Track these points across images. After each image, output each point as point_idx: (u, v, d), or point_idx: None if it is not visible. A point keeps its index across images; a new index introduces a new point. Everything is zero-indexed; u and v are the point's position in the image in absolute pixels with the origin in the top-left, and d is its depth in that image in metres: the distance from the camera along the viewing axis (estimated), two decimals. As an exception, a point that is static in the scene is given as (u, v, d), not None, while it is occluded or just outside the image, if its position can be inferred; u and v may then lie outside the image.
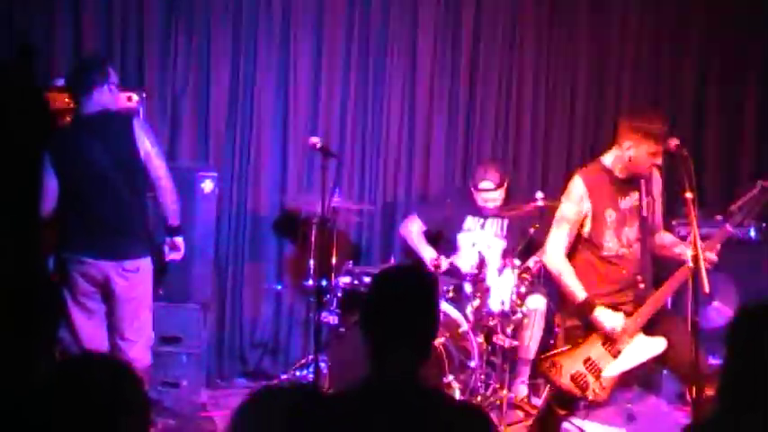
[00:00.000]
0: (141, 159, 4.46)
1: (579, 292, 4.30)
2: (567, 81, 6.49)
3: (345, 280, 5.59)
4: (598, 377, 4.35)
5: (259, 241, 6.21)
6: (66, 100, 4.71)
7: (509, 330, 5.20)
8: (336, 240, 5.52)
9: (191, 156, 6.05)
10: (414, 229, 6.01)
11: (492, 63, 6.46)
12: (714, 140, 6.44)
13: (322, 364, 5.26)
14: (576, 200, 4.36)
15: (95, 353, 3.79)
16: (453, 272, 5.68)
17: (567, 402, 4.55)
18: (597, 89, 6.54)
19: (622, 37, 6.48)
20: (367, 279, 5.48)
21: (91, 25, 5.75)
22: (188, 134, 6.05)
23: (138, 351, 4.52)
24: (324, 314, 5.38)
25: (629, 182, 4.40)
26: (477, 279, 5.34)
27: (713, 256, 4.19)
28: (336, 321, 5.51)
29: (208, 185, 5.60)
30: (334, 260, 5.48)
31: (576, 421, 5.14)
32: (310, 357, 5.50)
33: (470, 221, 5.90)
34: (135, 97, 5.22)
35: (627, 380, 4.91)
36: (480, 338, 5.26)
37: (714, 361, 4.34)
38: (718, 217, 4.65)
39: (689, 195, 4.00)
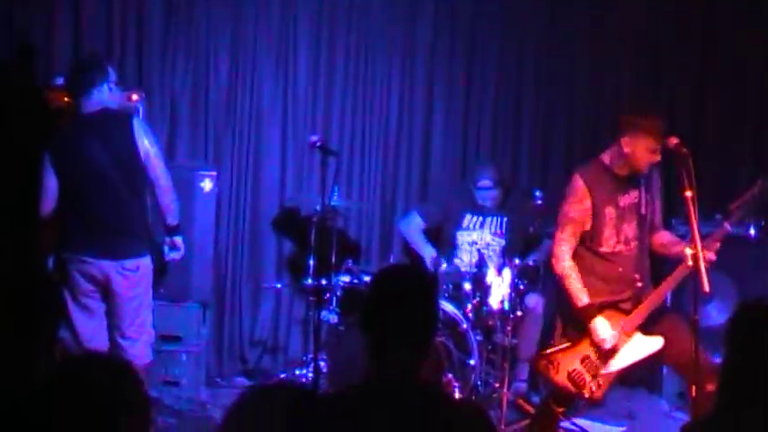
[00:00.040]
0: (141, 159, 4.46)
1: (583, 297, 4.31)
2: (566, 81, 6.49)
3: (345, 279, 5.60)
4: (595, 375, 4.36)
5: (258, 240, 6.22)
6: (66, 99, 4.71)
7: (508, 329, 5.21)
8: (336, 239, 5.52)
9: (190, 155, 6.06)
10: (413, 227, 6.03)
11: (491, 62, 6.45)
12: (714, 140, 6.44)
13: (321, 363, 5.27)
14: (577, 199, 4.36)
15: (95, 352, 3.79)
16: (453, 270, 5.68)
17: (564, 400, 4.56)
18: (597, 89, 6.53)
19: (622, 37, 6.47)
20: (366, 278, 5.48)
21: (91, 25, 5.76)
22: (187, 133, 6.06)
23: (139, 349, 4.52)
24: (323, 313, 5.38)
25: (629, 179, 4.40)
26: (477, 277, 5.34)
27: (712, 255, 4.20)
28: (336, 320, 5.52)
29: (207, 184, 5.61)
30: (333, 259, 5.48)
31: (577, 420, 5.16)
32: (310, 356, 5.50)
33: (469, 219, 5.91)
34: (135, 96, 5.22)
35: (624, 378, 4.93)
36: (480, 337, 5.27)
37: (715, 360, 4.34)
38: (718, 216, 4.65)
39: (688, 194, 4.01)
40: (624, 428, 5.44)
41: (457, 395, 5.05)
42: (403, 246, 6.26)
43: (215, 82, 6.06)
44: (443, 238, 5.99)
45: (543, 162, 6.52)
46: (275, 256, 6.27)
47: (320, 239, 5.52)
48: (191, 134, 6.07)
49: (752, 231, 5.46)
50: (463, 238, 5.88)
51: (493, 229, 5.87)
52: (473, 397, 5.16)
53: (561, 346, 4.45)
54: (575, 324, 4.39)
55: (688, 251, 4.10)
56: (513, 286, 5.25)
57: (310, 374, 5.38)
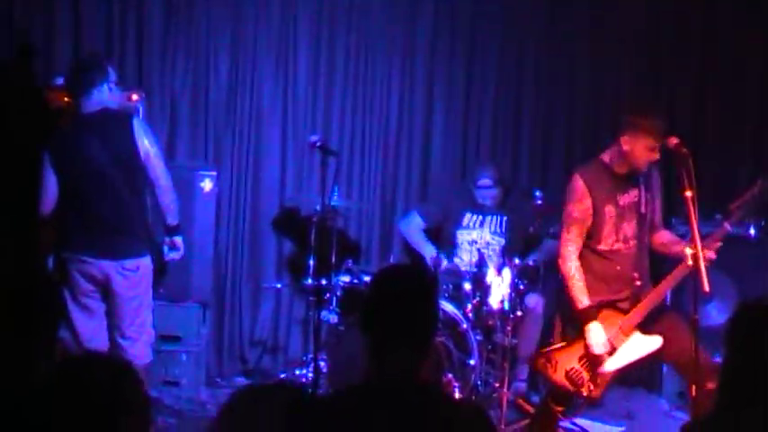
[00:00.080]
0: (141, 158, 4.46)
1: (584, 299, 4.32)
2: (566, 81, 6.49)
3: (345, 279, 5.60)
4: (593, 374, 4.36)
5: (258, 240, 6.22)
6: (66, 99, 4.71)
7: (508, 329, 5.21)
8: (336, 239, 5.52)
9: (190, 155, 6.06)
10: (413, 227, 6.03)
11: (491, 62, 6.45)
12: (714, 140, 6.44)
13: (321, 363, 5.27)
14: (578, 198, 4.37)
15: (96, 352, 3.79)
16: (453, 270, 5.69)
17: (563, 399, 4.57)
18: (597, 89, 6.53)
19: (622, 37, 6.47)
20: (366, 278, 5.48)
21: (91, 25, 5.76)
22: (187, 133, 6.06)
23: (139, 349, 4.52)
24: (323, 313, 5.38)
25: (628, 178, 4.40)
26: (477, 277, 5.34)
27: (712, 254, 4.20)
28: (336, 320, 5.52)
29: (207, 184, 5.61)
30: (333, 259, 5.48)
31: (577, 420, 5.16)
32: (310, 356, 5.50)
33: (469, 218, 5.91)
34: (135, 96, 5.22)
35: (623, 378, 4.93)
36: (480, 337, 5.27)
37: (715, 359, 4.34)
38: (718, 215, 4.65)
39: (688, 194, 4.01)
40: (623, 428, 5.44)
41: (457, 395, 5.05)
42: (403, 246, 6.26)
43: (215, 82, 6.06)
44: (443, 238, 5.99)
45: (543, 162, 6.52)
46: (275, 256, 6.27)
47: (320, 239, 5.53)
48: (191, 134, 6.07)
49: (752, 231, 5.46)
50: (463, 236, 5.88)
51: (493, 228, 5.87)
52: (473, 397, 5.16)
53: (559, 345, 4.46)
54: (574, 323, 4.40)
55: (688, 251, 4.11)
56: (513, 286, 5.25)
57: (310, 374, 5.39)
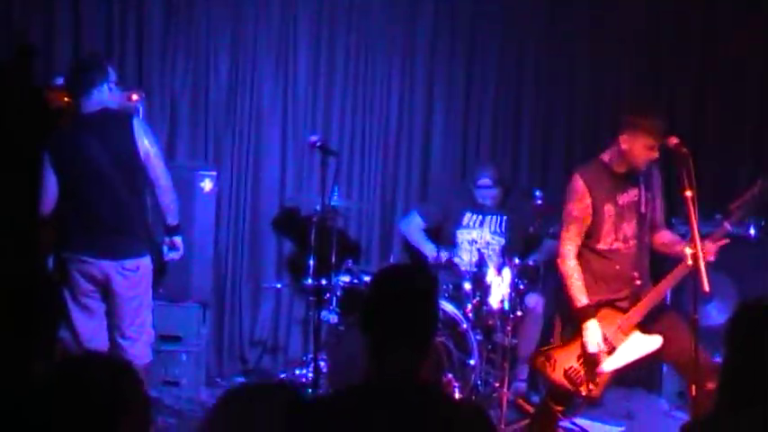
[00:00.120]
0: (141, 158, 4.46)
1: (582, 298, 4.32)
2: (566, 81, 6.49)
3: (345, 279, 5.60)
4: (592, 373, 4.36)
5: (258, 240, 6.22)
6: (66, 99, 4.71)
7: (508, 328, 5.21)
8: (336, 239, 5.52)
9: (190, 155, 6.06)
10: (413, 227, 6.04)
11: (491, 62, 6.45)
12: (714, 140, 6.44)
13: (321, 363, 5.28)
14: (578, 198, 4.38)
15: (95, 352, 3.79)
16: (453, 270, 5.69)
17: (562, 398, 4.56)
18: (597, 89, 6.53)
19: (622, 37, 6.47)
20: (366, 278, 5.48)
21: (91, 25, 5.76)
22: (187, 133, 6.06)
23: (139, 349, 4.52)
24: (323, 313, 5.38)
25: (628, 178, 4.41)
26: (477, 277, 5.34)
27: (711, 255, 4.20)
28: (336, 320, 5.52)
29: (207, 184, 5.61)
30: (333, 259, 5.48)
31: (576, 420, 5.16)
32: (310, 356, 5.50)
33: (469, 217, 5.91)
34: (135, 96, 5.22)
35: (623, 378, 4.93)
36: (480, 337, 5.27)
37: (715, 359, 4.34)
38: (718, 215, 4.66)
39: (688, 194, 4.01)
40: (623, 428, 5.44)
41: (457, 395, 5.05)
42: (403, 245, 6.27)
43: (215, 82, 6.06)
44: (443, 238, 5.99)
45: (543, 162, 6.52)
46: (275, 256, 6.27)
47: (320, 239, 5.53)
48: (191, 134, 6.07)
49: (752, 231, 5.46)
50: (463, 236, 5.88)
51: (493, 228, 5.87)
52: (473, 397, 5.16)
53: (558, 344, 4.47)
54: (573, 323, 4.40)
55: (688, 250, 4.11)
56: (513, 286, 5.25)
57: (310, 374, 5.39)
